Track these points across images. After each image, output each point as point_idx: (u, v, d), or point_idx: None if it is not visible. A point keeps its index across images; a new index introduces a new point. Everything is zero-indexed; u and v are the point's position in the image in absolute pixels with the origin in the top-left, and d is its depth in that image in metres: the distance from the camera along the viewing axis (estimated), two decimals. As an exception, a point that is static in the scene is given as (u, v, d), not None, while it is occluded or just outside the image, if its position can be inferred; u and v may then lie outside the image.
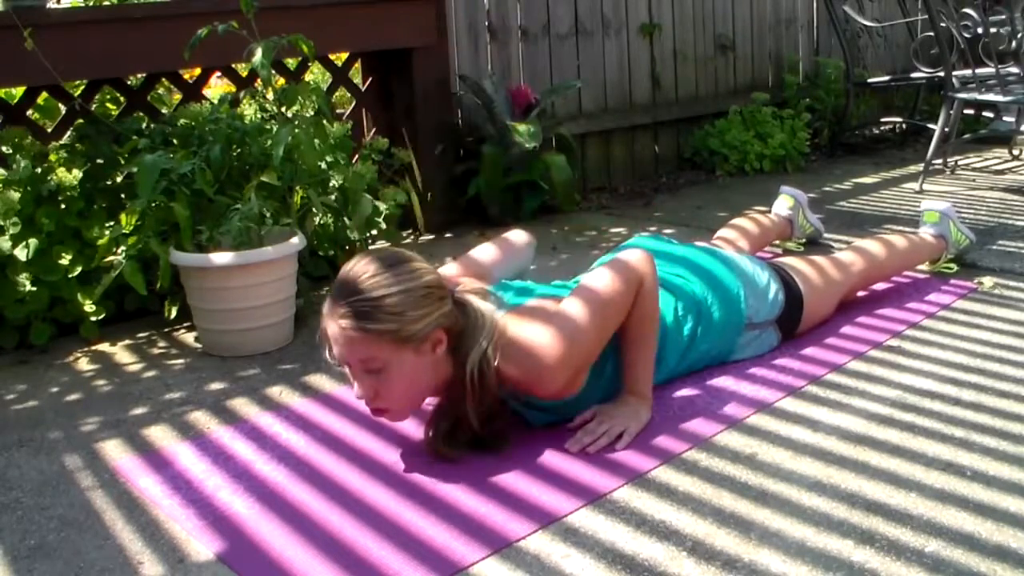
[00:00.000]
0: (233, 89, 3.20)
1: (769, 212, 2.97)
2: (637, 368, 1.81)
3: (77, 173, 2.53)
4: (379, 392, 1.64)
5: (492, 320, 1.70)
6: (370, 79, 3.51)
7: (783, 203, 2.96)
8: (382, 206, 2.89)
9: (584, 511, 1.52)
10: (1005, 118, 4.71)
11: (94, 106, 2.84)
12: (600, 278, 1.75)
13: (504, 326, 1.70)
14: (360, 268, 1.62)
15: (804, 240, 3.02)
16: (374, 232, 3.09)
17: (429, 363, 1.65)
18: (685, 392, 1.95)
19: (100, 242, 2.40)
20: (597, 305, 1.71)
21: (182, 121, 2.68)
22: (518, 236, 2.17)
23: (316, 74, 3.99)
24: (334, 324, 1.60)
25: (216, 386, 2.15)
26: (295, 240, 2.37)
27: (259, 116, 2.78)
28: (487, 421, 1.70)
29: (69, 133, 2.79)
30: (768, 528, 1.44)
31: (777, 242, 2.95)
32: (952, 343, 2.16)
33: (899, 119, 5.10)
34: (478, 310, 1.70)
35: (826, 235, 3.08)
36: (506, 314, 1.73)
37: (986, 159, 4.49)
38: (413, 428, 1.85)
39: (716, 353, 2.06)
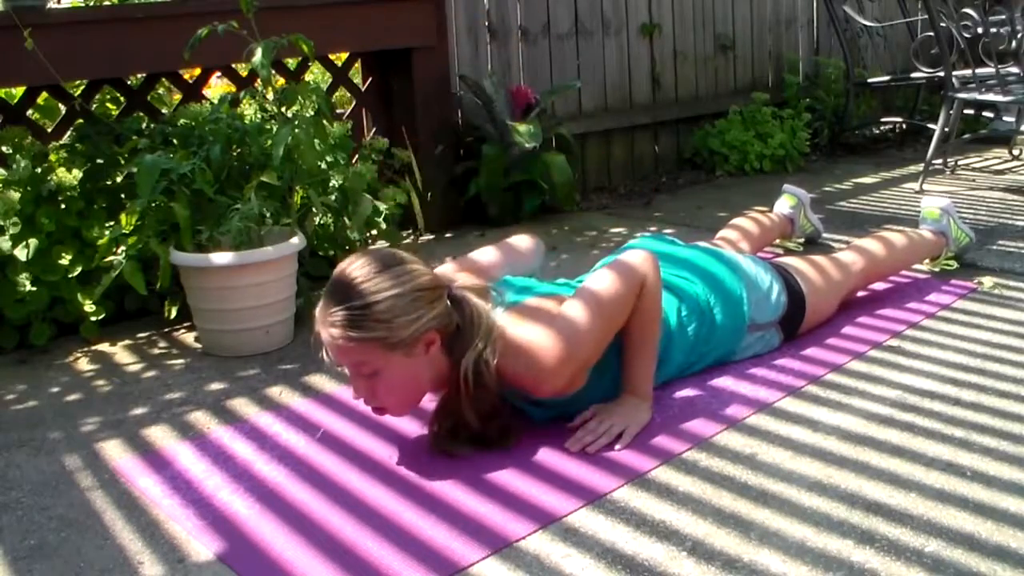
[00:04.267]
0: (233, 89, 3.20)
1: (770, 211, 2.97)
2: (638, 368, 1.81)
3: (77, 173, 2.53)
4: (375, 393, 1.66)
5: (489, 319, 1.70)
6: (370, 79, 3.51)
7: (785, 201, 2.96)
8: (382, 206, 2.89)
9: (584, 511, 1.52)
10: (1005, 118, 4.71)
11: (94, 106, 2.84)
12: (602, 279, 1.75)
13: (504, 325, 1.70)
14: (350, 272, 1.62)
15: (803, 239, 3.02)
16: (374, 232, 3.09)
17: (423, 363, 1.65)
18: (685, 392, 1.95)
19: (100, 242, 2.41)
20: (599, 307, 1.71)
21: (182, 121, 2.68)
22: (521, 241, 2.15)
23: (316, 74, 3.99)
24: (324, 331, 1.62)
25: (216, 386, 2.15)
26: (295, 240, 2.37)
27: (259, 116, 2.78)
28: (487, 419, 1.70)
29: (69, 133, 2.79)
30: (768, 528, 1.44)
31: (777, 241, 2.95)
32: (952, 343, 2.16)
33: (899, 119, 5.10)
34: (475, 308, 1.70)
35: (826, 235, 3.09)
36: (506, 312, 1.73)
37: (986, 159, 4.49)
38: (413, 428, 1.85)
39: (719, 355, 2.06)
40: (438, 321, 1.64)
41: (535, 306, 1.77)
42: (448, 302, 1.68)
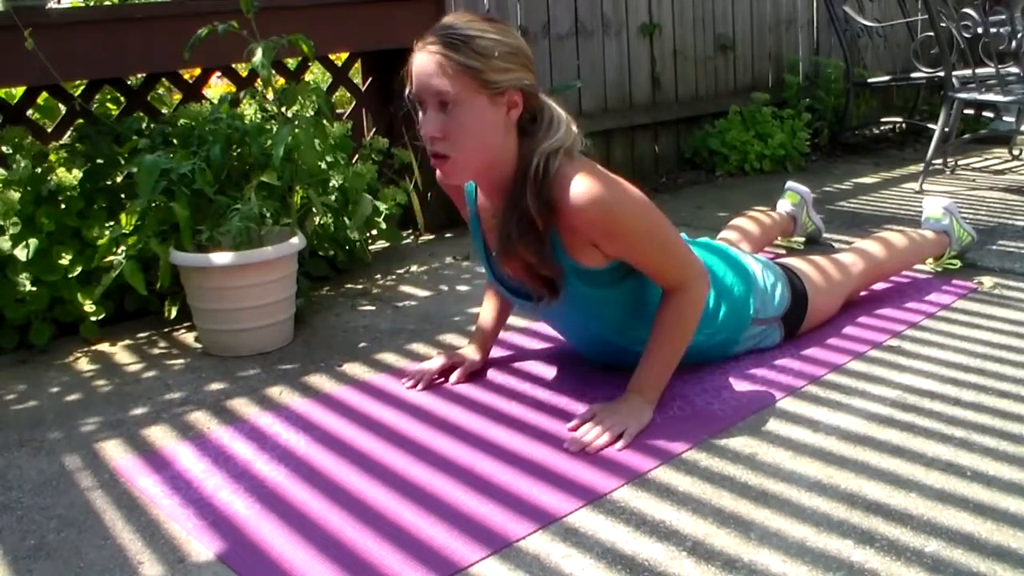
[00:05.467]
0: (233, 89, 3.20)
1: (771, 210, 2.97)
2: (653, 370, 1.82)
3: (77, 173, 2.53)
4: (446, 133, 1.66)
5: (570, 129, 1.74)
6: (370, 79, 3.51)
7: (788, 200, 2.96)
8: (382, 206, 2.89)
9: (584, 511, 1.52)
10: (1005, 118, 4.71)
11: (94, 106, 2.84)
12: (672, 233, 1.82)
13: (578, 156, 1.73)
14: (460, 14, 1.71)
15: (804, 239, 3.02)
16: (374, 232, 3.09)
17: (500, 121, 1.68)
18: (685, 392, 1.95)
19: (100, 242, 2.41)
20: (656, 214, 1.77)
21: (182, 121, 2.68)
22: None
23: (316, 74, 4.00)
24: (422, 52, 1.66)
25: (216, 386, 2.15)
26: (295, 240, 2.37)
27: (259, 116, 2.78)
28: (548, 212, 1.69)
29: (69, 133, 2.79)
30: (768, 528, 1.44)
31: (779, 240, 2.95)
32: (952, 343, 2.16)
33: (899, 119, 5.10)
34: (559, 116, 1.75)
35: (826, 235, 3.09)
36: (580, 154, 1.76)
37: (986, 159, 4.49)
38: (413, 428, 1.86)
39: (719, 342, 2.05)
40: (527, 87, 1.70)
41: (603, 170, 1.77)
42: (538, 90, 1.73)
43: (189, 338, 2.48)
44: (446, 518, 1.51)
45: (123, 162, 2.57)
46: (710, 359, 2.07)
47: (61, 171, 2.50)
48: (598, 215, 1.67)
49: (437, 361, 2.10)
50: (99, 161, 2.59)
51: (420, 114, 1.70)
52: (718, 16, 4.63)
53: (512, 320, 2.37)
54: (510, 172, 1.72)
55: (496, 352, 2.21)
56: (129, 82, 2.96)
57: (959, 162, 4.36)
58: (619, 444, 1.72)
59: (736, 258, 2.14)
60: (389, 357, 2.26)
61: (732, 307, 2.03)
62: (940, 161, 4.18)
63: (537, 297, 1.84)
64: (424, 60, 1.65)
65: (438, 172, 1.77)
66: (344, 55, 3.48)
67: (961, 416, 1.78)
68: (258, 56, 2.39)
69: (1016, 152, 4.51)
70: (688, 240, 2.23)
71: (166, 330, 2.56)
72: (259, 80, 2.63)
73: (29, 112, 2.84)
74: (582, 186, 1.66)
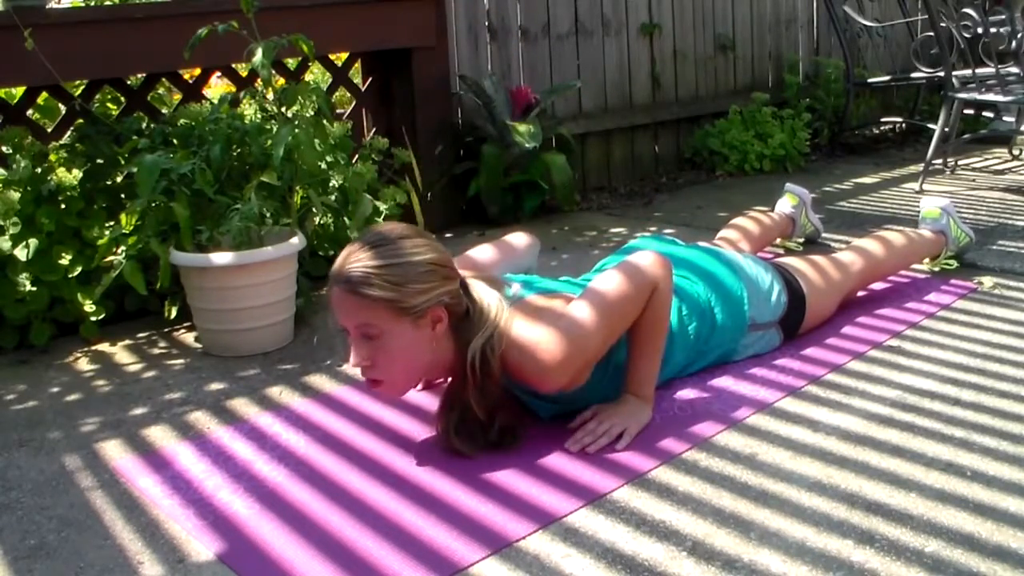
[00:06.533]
0: (233, 89, 3.20)
1: (770, 211, 2.97)
2: (642, 369, 1.81)
3: (77, 173, 2.53)
4: (375, 361, 1.65)
5: (500, 309, 1.70)
6: (370, 79, 3.51)
7: (787, 201, 2.97)
8: (382, 206, 2.89)
9: (584, 511, 1.52)
10: (1005, 118, 4.71)
11: (94, 106, 2.84)
12: (610, 280, 1.74)
13: (510, 321, 1.70)
14: (369, 238, 1.66)
15: (803, 239, 3.02)
16: (374, 232, 3.09)
17: (428, 340, 1.65)
18: (685, 392, 1.95)
19: (100, 242, 2.41)
20: (605, 308, 1.70)
21: (182, 121, 2.68)
22: (518, 239, 2.17)
23: (316, 74, 3.99)
24: (336, 287, 1.63)
25: (216, 386, 2.15)
26: (295, 240, 2.37)
27: (259, 116, 2.77)
28: (492, 410, 1.70)
29: (69, 133, 2.79)
30: (768, 528, 1.44)
31: (777, 241, 2.95)
32: (952, 343, 2.16)
33: (899, 119, 5.10)
34: (485, 297, 1.71)
35: (826, 235, 3.09)
36: (513, 307, 1.73)
37: (986, 159, 4.49)
38: (413, 428, 1.86)
39: (719, 353, 2.06)
40: (449, 299, 1.66)
41: (542, 305, 1.77)
42: (460, 287, 1.69)
43: (189, 338, 2.48)
44: (446, 518, 1.51)
45: (123, 162, 2.57)
46: (710, 366, 2.07)
47: (61, 171, 2.50)
48: (577, 365, 1.66)
49: None
50: (99, 161, 2.59)
51: (348, 340, 1.68)
52: (718, 16, 4.63)
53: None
54: (449, 367, 1.71)
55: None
56: (129, 82, 2.96)
57: (959, 162, 4.36)
58: (619, 444, 1.72)
59: (732, 261, 2.14)
60: (389, 357, 2.26)
61: (728, 313, 2.03)
62: (940, 161, 4.18)
63: None
64: (340, 296, 1.63)
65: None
66: (344, 55, 3.48)
67: (961, 416, 1.78)
68: (258, 56, 2.39)
69: (1016, 152, 4.51)
70: (684, 245, 2.24)
71: (166, 330, 2.56)
72: (259, 80, 2.63)
73: (29, 112, 2.84)
74: (544, 359, 1.64)
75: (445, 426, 1.74)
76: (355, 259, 1.62)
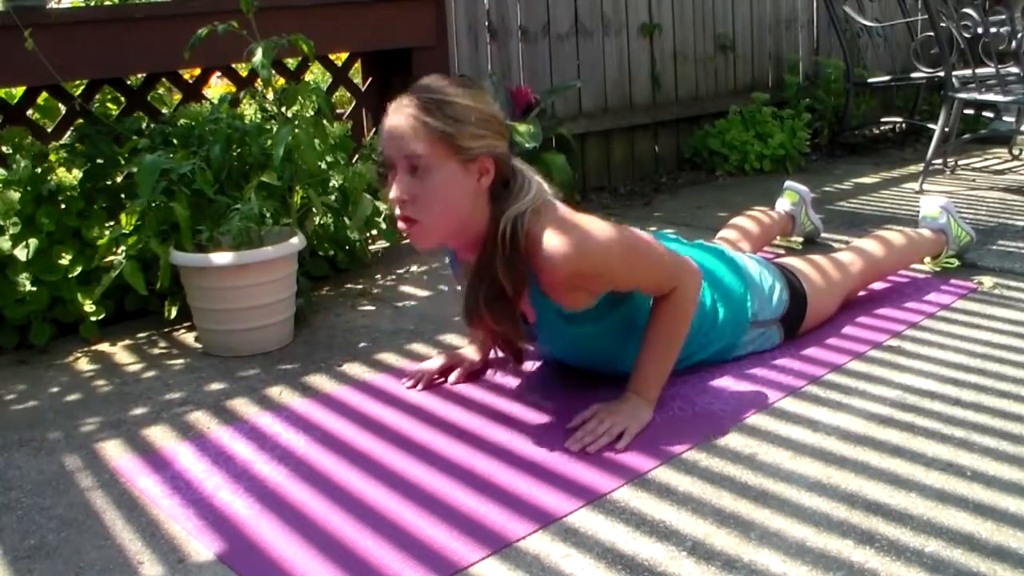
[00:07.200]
0: (233, 89, 3.20)
1: (770, 209, 2.97)
2: (650, 370, 1.81)
3: (77, 173, 2.53)
4: (415, 197, 1.64)
5: (540, 192, 1.72)
6: (370, 79, 3.51)
7: (787, 199, 2.97)
8: (382, 206, 2.89)
9: (584, 511, 1.52)
10: (1005, 118, 4.71)
11: (94, 106, 2.84)
12: (649, 240, 1.80)
13: (544, 207, 1.71)
14: (438, 77, 1.72)
15: (803, 238, 3.02)
16: (374, 232, 3.09)
17: (471, 188, 1.66)
18: (685, 392, 1.95)
19: (100, 242, 2.41)
20: (630, 242, 1.74)
21: (182, 121, 2.68)
22: None
23: (316, 74, 4.00)
24: (396, 114, 1.64)
25: (216, 386, 2.15)
26: (295, 240, 2.37)
27: (259, 116, 2.78)
28: (519, 287, 1.69)
29: (69, 133, 2.79)
30: (768, 528, 1.44)
31: (777, 239, 2.95)
32: (952, 343, 2.16)
33: (899, 119, 5.10)
34: (530, 179, 1.74)
35: (825, 235, 3.09)
36: (553, 201, 1.75)
37: (986, 159, 4.49)
38: (413, 428, 1.86)
39: (720, 347, 2.05)
40: (499, 154, 1.68)
41: (570, 215, 1.76)
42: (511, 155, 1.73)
43: (189, 338, 2.48)
44: (446, 518, 1.51)
45: (123, 162, 2.57)
46: (709, 363, 2.07)
47: (61, 171, 2.50)
48: (573, 268, 1.66)
49: (437, 361, 2.10)
50: (99, 161, 2.59)
51: (388, 177, 1.69)
52: (718, 16, 4.63)
53: (512, 320, 2.37)
54: (481, 237, 1.71)
55: (496, 352, 2.20)
56: (129, 82, 2.96)
57: (959, 162, 4.36)
58: (619, 444, 1.72)
59: (734, 260, 2.14)
60: (389, 357, 2.26)
61: (730, 309, 2.04)
62: (940, 161, 4.18)
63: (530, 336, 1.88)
64: (398, 121, 1.63)
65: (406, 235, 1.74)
66: (344, 55, 3.48)
67: (961, 416, 1.78)
68: (258, 56, 2.39)
69: (1016, 152, 4.51)
70: (684, 242, 2.24)
71: (166, 330, 2.56)
72: (259, 80, 2.63)
73: (29, 112, 2.84)
74: (552, 244, 1.64)
75: (475, 299, 1.72)
76: (423, 88, 1.66)
